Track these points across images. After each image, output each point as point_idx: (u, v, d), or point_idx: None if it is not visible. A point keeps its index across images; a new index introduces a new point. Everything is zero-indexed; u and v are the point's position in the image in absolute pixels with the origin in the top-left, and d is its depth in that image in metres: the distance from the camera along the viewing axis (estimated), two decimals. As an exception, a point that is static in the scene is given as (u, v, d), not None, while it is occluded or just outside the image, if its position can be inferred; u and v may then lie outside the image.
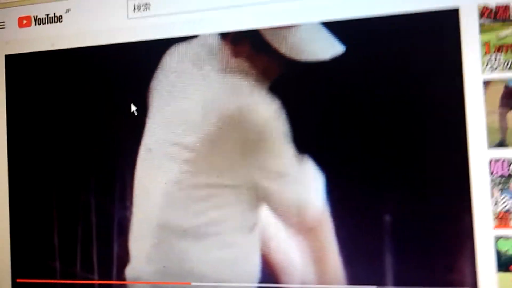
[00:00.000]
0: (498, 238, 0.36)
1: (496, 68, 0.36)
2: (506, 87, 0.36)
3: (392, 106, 0.39)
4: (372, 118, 0.39)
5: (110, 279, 0.44)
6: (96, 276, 0.45)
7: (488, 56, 0.36)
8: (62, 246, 0.46)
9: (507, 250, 0.35)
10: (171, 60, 0.44)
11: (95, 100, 0.46)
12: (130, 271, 0.44)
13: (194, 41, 0.43)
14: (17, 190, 0.47)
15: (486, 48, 0.36)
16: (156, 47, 0.44)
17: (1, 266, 0.47)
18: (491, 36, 0.36)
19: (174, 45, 0.43)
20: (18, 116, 0.48)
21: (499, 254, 0.36)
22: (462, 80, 0.37)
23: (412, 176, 0.38)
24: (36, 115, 0.47)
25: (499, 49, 0.36)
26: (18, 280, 0.47)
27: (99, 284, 0.45)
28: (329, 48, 0.40)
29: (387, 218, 0.38)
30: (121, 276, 0.44)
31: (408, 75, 0.38)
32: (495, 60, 0.36)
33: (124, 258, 0.44)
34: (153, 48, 0.44)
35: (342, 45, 0.40)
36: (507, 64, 0.36)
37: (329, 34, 0.40)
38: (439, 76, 0.38)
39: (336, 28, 0.40)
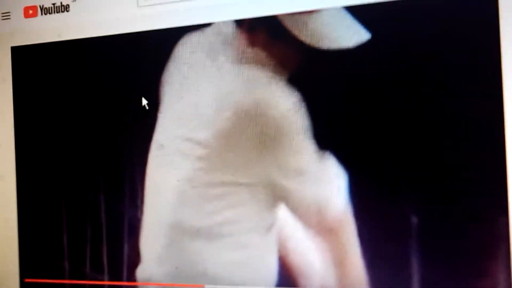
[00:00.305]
0: (536, 242, 0.36)
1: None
2: (547, 76, 0.36)
3: (421, 99, 0.39)
4: (400, 112, 0.39)
5: (120, 280, 0.46)
6: (106, 277, 0.47)
7: (527, 43, 0.37)
8: (71, 245, 0.48)
9: (545, 255, 0.36)
10: (183, 50, 0.45)
11: (104, 94, 0.47)
12: (141, 272, 0.46)
13: (207, 29, 0.44)
14: (25, 188, 0.50)
15: (526, 34, 0.37)
16: (168, 37, 0.45)
17: (9, 266, 0.50)
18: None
19: (187, 34, 0.45)
20: (25, 111, 0.50)
21: (536, 259, 0.36)
22: (501, 73, 0.37)
23: (442, 174, 0.38)
24: (43, 109, 0.49)
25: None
26: (26, 280, 0.50)
27: (109, 285, 0.47)
28: (354, 34, 0.40)
29: (414, 219, 0.39)
30: (131, 277, 0.46)
31: (439, 66, 0.38)
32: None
33: (134, 258, 0.46)
34: (164, 38, 0.45)
35: (368, 31, 0.40)
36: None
37: (354, 20, 0.40)
38: (474, 68, 0.38)
39: (361, 12, 0.40)
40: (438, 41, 0.39)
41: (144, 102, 0.46)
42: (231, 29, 0.44)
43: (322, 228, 0.41)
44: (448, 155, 0.38)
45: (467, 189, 0.38)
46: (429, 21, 0.39)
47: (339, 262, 0.41)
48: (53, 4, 0.49)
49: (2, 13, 0.51)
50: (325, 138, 0.41)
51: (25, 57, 0.50)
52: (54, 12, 0.49)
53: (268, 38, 0.43)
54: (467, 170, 0.38)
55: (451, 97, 0.38)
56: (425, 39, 0.39)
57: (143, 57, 0.46)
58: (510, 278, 0.37)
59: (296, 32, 0.42)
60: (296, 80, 0.42)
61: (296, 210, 0.42)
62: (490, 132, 0.37)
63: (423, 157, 0.39)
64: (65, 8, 0.49)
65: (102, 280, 0.47)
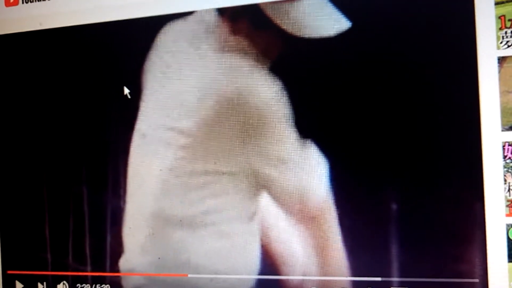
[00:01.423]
0: (510, 227, 0.38)
1: (512, 44, 0.38)
2: (523, 64, 0.38)
3: (400, 86, 0.40)
4: (380, 99, 0.41)
5: (104, 271, 0.48)
6: (88, 268, 0.48)
7: (503, 31, 0.38)
8: (54, 237, 0.49)
9: (519, 239, 0.38)
10: (165, 39, 0.46)
11: (86, 83, 0.48)
12: (124, 262, 0.47)
13: (190, 18, 0.46)
14: (6, 179, 0.51)
15: (502, 22, 0.38)
16: (150, 25, 0.46)
17: (-9, 258, 0.52)
18: (507, 9, 0.38)
19: (169, 23, 0.46)
20: (6, 100, 0.51)
21: (510, 243, 0.38)
22: (476, 56, 0.39)
23: (420, 161, 0.40)
24: (25, 98, 0.50)
25: (515, 23, 0.38)
26: (8, 272, 0.51)
27: (92, 276, 0.48)
28: (334, 23, 0.42)
29: (394, 206, 0.40)
30: (114, 267, 0.47)
31: (418, 51, 0.40)
32: (511, 35, 0.38)
33: (117, 249, 0.47)
34: (146, 26, 0.46)
35: (348, 20, 0.41)
36: (524, 40, 0.38)
37: (334, 8, 0.42)
38: (451, 53, 0.39)
39: (342, 1, 0.42)
40: (417, 30, 0.40)
41: (126, 91, 0.47)
42: (213, 18, 0.45)
43: (304, 216, 0.43)
44: (427, 144, 0.40)
45: (445, 177, 0.40)
46: (409, 10, 0.40)
47: (320, 249, 0.42)
48: (34, -8, 0.50)
49: (-18, 2, 0.52)
50: (307, 127, 0.43)
51: (6, 46, 0.51)
52: (35, 1, 0.50)
53: (250, 26, 0.44)
54: (444, 158, 0.40)
55: (430, 87, 0.40)
56: (404, 27, 0.40)
57: (125, 46, 0.47)
58: (486, 262, 0.39)
59: (278, 20, 0.43)
60: (278, 69, 0.43)
61: (278, 198, 0.43)
62: (466, 121, 0.39)
63: (403, 146, 0.40)
64: (46, -4, 0.50)
65: (85, 271, 0.48)
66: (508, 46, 0.38)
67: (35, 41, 0.50)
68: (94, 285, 0.48)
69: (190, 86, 0.45)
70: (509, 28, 0.38)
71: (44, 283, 0.50)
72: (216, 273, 0.45)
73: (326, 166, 0.42)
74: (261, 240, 0.44)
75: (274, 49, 0.43)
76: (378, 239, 0.41)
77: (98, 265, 0.48)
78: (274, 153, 0.43)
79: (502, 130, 0.38)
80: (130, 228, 0.47)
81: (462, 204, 0.39)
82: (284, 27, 0.43)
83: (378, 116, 0.41)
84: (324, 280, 0.42)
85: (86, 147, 0.48)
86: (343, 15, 0.41)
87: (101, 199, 0.48)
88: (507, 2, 0.38)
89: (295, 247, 0.43)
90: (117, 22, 0.47)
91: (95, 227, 0.48)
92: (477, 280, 0.39)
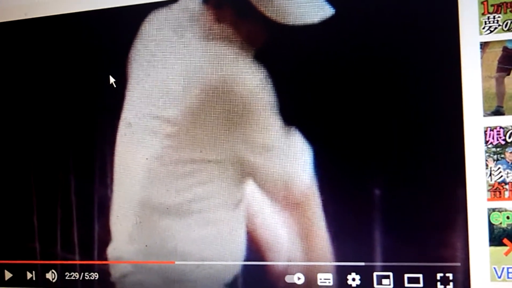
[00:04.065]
0: (491, 211, 0.37)
1: (494, 29, 0.37)
2: (505, 49, 0.37)
3: (384, 72, 0.40)
4: (363, 86, 0.40)
5: (92, 259, 0.47)
6: (77, 256, 0.48)
7: (486, 16, 0.37)
8: (42, 226, 0.49)
9: (500, 223, 0.37)
10: (150, 27, 0.45)
11: (71, 72, 0.47)
12: (112, 250, 0.47)
13: (174, 6, 0.45)
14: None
15: (484, 7, 0.37)
16: (135, 14, 0.45)
17: (-19, 248, 0.51)
18: (489, -6, 0.38)
19: (154, 11, 0.45)
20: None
21: (492, 228, 0.37)
22: (459, 42, 0.38)
23: (403, 148, 0.40)
24: (10, 88, 0.49)
25: (497, 8, 0.37)
26: (-3, 261, 0.51)
27: (80, 264, 0.48)
28: (318, 10, 0.41)
29: (377, 192, 0.40)
30: (102, 256, 0.47)
31: (401, 37, 0.39)
32: (493, 20, 0.37)
33: (105, 237, 0.47)
34: (131, 15, 0.45)
35: (332, 7, 0.41)
36: (506, 25, 0.37)
37: (318, -5, 0.41)
38: (433, 38, 0.39)
39: (325, -12, 0.41)
40: (401, 17, 0.39)
41: (112, 80, 0.46)
42: (197, 6, 0.44)
43: (289, 202, 0.42)
44: (409, 130, 0.40)
45: (427, 162, 0.39)
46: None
47: (305, 235, 0.42)
48: (19, -18, 0.49)
49: (-34, -8, 0.50)
50: (291, 114, 0.42)
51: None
52: (20, -10, 0.49)
53: (235, 14, 0.43)
54: (427, 144, 0.39)
55: (413, 73, 0.39)
56: (387, 14, 0.40)
57: (110, 35, 0.46)
58: (467, 247, 0.38)
59: (262, 8, 0.42)
60: (262, 56, 0.42)
61: (263, 185, 0.43)
62: (449, 107, 0.38)
63: (386, 133, 0.40)
64: (31, -14, 0.49)
65: (74, 259, 0.48)
66: (491, 32, 0.37)
67: (21, 31, 0.49)
68: (82, 274, 0.48)
69: (175, 74, 0.44)
70: (491, 13, 0.37)
71: (33, 272, 0.49)
72: (202, 260, 0.44)
73: (310, 153, 0.41)
74: (247, 226, 0.43)
75: (258, 37, 0.43)
76: (361, 224, 0.40)
77: (86, 254, 0.47)
78: (259, 140, 0.43)
79: (484, 116, 0.38)
80: (117, 216, 0.46)
81: (444, 190, 0.39)
82: (268, 14, 0.42)
83: (362, 103, 0.40)
84: (309, 266, 0.42)
85: (73, 137, 0.47)
86: (326, 2, 0.41)
87: (89, 188, 0.47)
88: (489, -13, 0.37)
89: (280, 234, 0.43)
90: (102, 10, 0.46)
91: (83, 216, 0.47)
92: (459, 264, 0.39)
